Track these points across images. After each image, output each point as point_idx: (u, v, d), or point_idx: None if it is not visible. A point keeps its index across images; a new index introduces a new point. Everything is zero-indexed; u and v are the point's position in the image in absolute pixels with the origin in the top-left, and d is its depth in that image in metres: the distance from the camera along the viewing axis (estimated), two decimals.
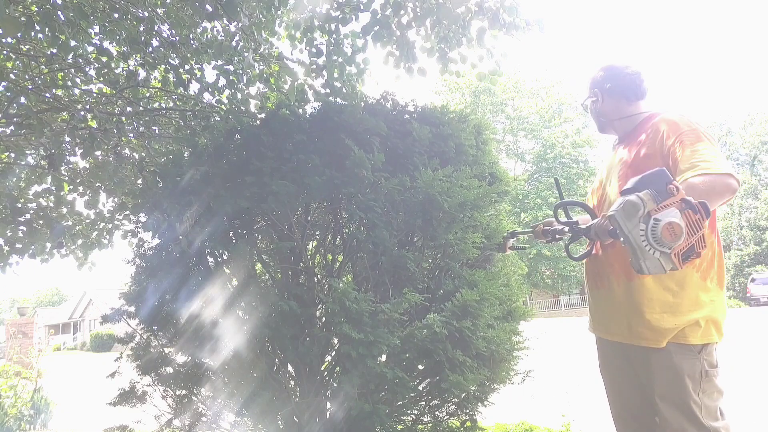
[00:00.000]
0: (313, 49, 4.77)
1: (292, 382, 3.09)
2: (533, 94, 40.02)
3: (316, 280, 3.13)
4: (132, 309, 3.30)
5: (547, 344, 11.72)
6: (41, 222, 5.22)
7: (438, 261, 3.19)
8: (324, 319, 2.92)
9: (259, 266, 3.32)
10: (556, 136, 37.33)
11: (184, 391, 3.24)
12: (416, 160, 2.97)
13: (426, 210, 2.85)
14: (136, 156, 5.62)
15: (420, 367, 2.66)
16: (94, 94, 5.32)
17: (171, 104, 5.64)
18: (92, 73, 5.13)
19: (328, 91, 4.70)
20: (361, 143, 2.83)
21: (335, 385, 2.99)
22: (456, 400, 2.88)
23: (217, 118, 4.72)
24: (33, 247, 5.33)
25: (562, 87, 40.31)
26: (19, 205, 5.15)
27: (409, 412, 2.88)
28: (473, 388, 2.70)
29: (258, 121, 3.65)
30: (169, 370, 3.20)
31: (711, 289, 1.82)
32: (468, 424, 3.06)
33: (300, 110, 3.41)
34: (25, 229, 5.11)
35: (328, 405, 3.09)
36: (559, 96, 39.64)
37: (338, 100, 4.45)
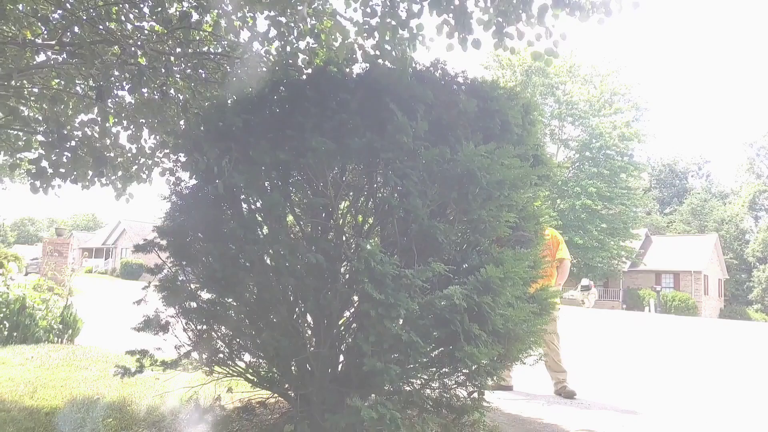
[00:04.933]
0: (368, 9, 4.71)
1: (309, 332, 3.17)
2: (586, 80, 38.90)
3: (344, 238, 3.18)
4: (164, 242, 3.40)
5: (567, 333, 11.68)
6: (85, 150, 5.38)
7: (468, 235, 3.19)
8: (348, 276, 2.98)
9: (290, 218, 3.39)
10: (604, 126, 36.38)
11: (204, 327, 3.36)
12: (459, 133, 2.95)
13: (463, 184, 2.84)
14: (181, 97, 5.71)
15: (435, 334, 2.70)
16: (146, 32, 5.39)
17: (220, 50, 5.69)
18: (146, 10, 5.19)
19: (377, 53, 4.66)
20: (405, 109, 2.82)
21: (350, 340, 3.07)
22: (466, 371, 2.92)
23: (264, 69, 4.74)
24: (75, 173, 5.52)
25: (618, 77, 39.06)
26: (66, 132, 5.31)
27: (419, 375, 2.94)
28: (485, 361, 2.74)
29: (304, 76, 3.66)
30: (193, 305, 3.32)
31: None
32: (475, 395, 3.11)
33: (347, 69, 3.40)
34: (69, 155, 5.28)
35: (341, 358, 3.18)
36: (613, 86, 38.46)
37: (387, 63, 4.42)
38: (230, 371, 3.38)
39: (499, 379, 5.16)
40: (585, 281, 5.66)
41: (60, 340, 7.87)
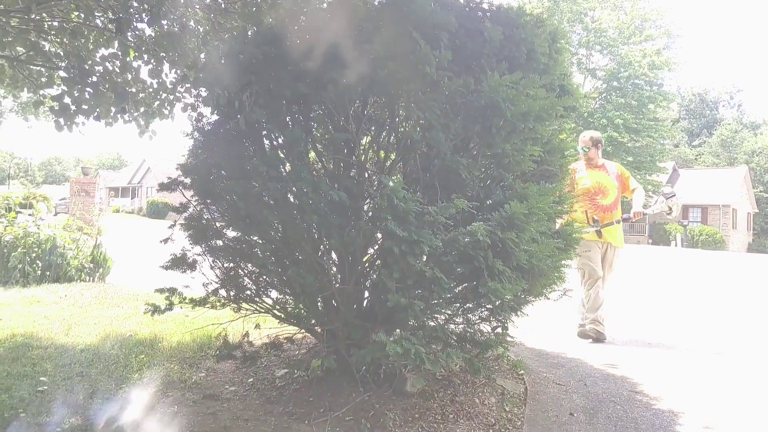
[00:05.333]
0: None
1: (335, 269, 3.20)
2: (616, 6, 36.99)
3: (366, 175, 3.14)
4: (187, 181, 3.40)
5: None
6: (107, 86, 5.34)
7: (491, 171, 3.13)
8: (371, 213, 2.96)
9: (312, 154, 3.35)
10: (634, 54, 34.87)
11: (231, 264, 3.40)
12: (484, 63, 2.83)
13: (486, 116, 2.75)
14: (201, 29, 5.58)
15: (459, 270, 2.70)
16: None
17: None
18: None
19: None
20: (428, 38, 2.69)
21: (374, 276, 3.09)
22: (490, 306, 2.94)
23: None
24: (98, 109, 5.50)
25: (649, 1, 37.01)
26: (87, 67, 5.25)
27: (442, 311, 2.96)
28: (509, 297, 2.74)
29: (325, 5, 3.52)
30: (219, 243, 3.35)
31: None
32: (499, 330, 3.14)
33: None
34: (91, 90, 5.24)
35: (366, 294, 3.21)
36: (645, 11, 36.53)
37: None
38: (258, 308, 3.45)
39: (595, 330, 4.96)
40: (667, 189, 5.17)
41: (91, 278, 8.12)
